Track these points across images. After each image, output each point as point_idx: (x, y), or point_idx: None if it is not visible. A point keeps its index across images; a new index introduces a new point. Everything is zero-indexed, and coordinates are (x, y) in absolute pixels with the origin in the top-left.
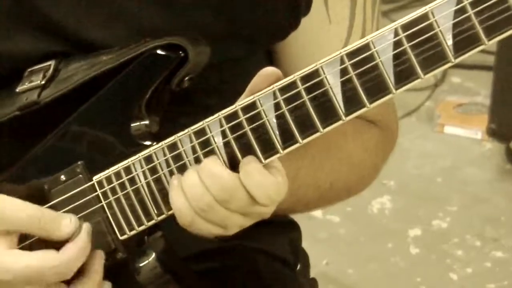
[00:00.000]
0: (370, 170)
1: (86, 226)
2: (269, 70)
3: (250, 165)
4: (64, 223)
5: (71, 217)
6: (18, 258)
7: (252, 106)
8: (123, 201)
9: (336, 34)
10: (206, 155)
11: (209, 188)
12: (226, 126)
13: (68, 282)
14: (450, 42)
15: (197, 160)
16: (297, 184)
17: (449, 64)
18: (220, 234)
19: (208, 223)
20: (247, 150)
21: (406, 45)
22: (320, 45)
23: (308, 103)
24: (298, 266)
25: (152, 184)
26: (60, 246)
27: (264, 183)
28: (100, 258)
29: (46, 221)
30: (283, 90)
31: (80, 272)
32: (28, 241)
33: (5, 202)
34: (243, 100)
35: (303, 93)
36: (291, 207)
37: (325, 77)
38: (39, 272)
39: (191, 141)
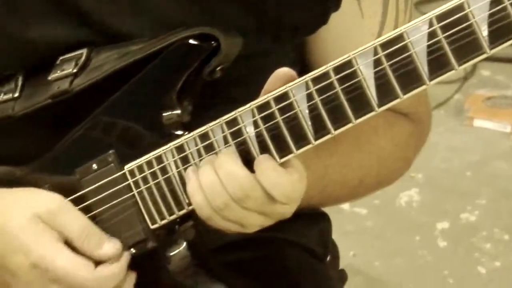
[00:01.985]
0: (401, 163)
1: (127, 256)
2: (282, 71)
3: (265, 164)
4: (107, 244)
5: (115, 242)
6: (59, 254)
7: (284, 96)
8: (154, 190)
9: (369, 29)
10: (238, 145)
11: (226, 186)
12: (258, 116)
13: None
14: (485, 33)
15: None
16: (326, 182)
17: (484, 55)
18: (239, 231)
19: (225, 220)
20: (278, 140)
21: (441, 36)
22: (352, 40)
23: (340, 94)
24: (328, 258)
25: (183, 173)
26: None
27: (279, 181)
28: (131, 279)
29: (92, 237)
30: (316, 80)
31: None
32: None
33: (65, 207)
34: (275, 90)
35: (336, 83)
36: (320, 203)
37: (358, 67)
38: (70, 277)
39: (223, 131)
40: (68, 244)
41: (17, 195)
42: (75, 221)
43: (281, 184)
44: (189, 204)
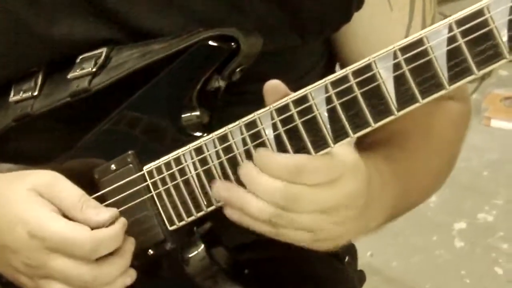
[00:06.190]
0: (459, 144)
1: (122, 220)
2: (269, 84)
3: (255, 162)
4: (104, 210)
5: (112, 209)
6: (55, 221)
7: (303, 99)
8: (172, 191)
9: (399, 21)
10: (257, 147)
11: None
12: (277, 119)
13: None
14: (505, 38)
15: (247, 152)
16: (409, 171)
17: (504, 61)
18: (312, 245)
19: (291, 230)
20: (297, 143)
21: (461, 41)
22: (383, 32)
23: (360, 97)
24: (346, 258)
25: (202, 175)
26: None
27: (272, 161)
28: (131, 244)
29: (89, 205)
30: (335, 83)
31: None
32: None
33: (60, 180)
34: (295, 93)
35: (355, 87)
36: (416, 197)
37: (378, 71)
38: (68, 241)
39: (242, 133)
40: (65, 216)
41: (13, 174)
42: (70, 191)
43: (279, 162)
44: (208, 205)
